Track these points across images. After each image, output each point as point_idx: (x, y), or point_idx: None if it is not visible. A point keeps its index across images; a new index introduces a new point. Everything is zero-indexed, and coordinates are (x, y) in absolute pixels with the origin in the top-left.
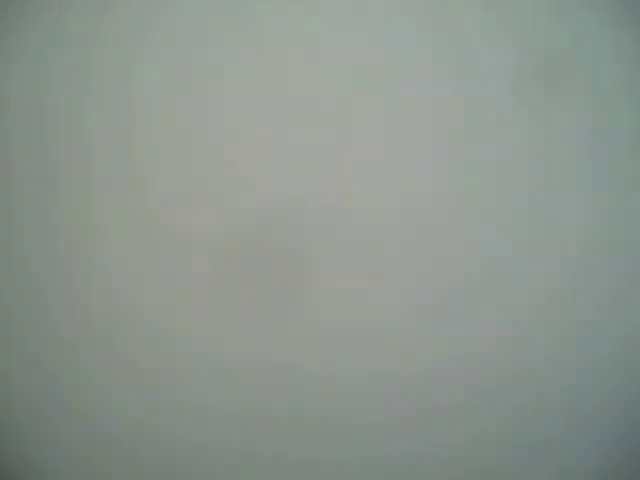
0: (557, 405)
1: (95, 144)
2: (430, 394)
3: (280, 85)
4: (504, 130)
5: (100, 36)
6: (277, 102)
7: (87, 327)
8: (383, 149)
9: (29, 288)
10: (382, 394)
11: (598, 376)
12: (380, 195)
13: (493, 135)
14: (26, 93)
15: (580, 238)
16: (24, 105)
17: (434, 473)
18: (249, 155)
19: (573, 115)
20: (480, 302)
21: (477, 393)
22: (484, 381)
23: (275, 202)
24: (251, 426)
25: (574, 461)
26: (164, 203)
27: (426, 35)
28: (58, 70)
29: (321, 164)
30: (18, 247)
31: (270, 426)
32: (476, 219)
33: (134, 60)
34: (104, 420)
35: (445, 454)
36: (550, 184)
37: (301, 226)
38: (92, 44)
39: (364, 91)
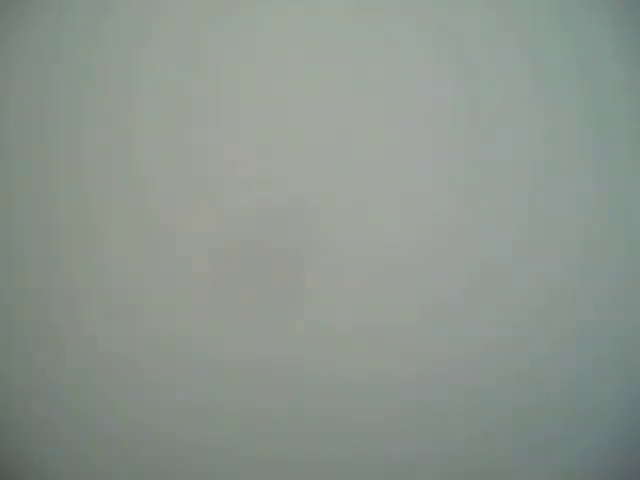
0: (557, 405)
1: (95, 144)
2: (430, 394)
3: (280, 86)
4: (504, 130)
5: (100, 36)
6: (277, 103)
7: (87, 327)
8: (383, 149)
9: (28, 288)
10: (382, 394)
11: (598, 376)
12: (380, 195)
13: (493, 135)
14: (26, 93)
15: (580, 238)
16: (24, 105)
17: (434, 473)
18: (249, 155)
19: (573, 115)
20: (480, 302)
21: (477, 393)
22: (484, 381)
23: (275, 202)
24: (251, 426)
25: (574, 461)
26: (164, 203)
27: (426, 35)
28: (58, 70)
29: (321, 164)
30: (17, 247)
31: (270, 426)
32: (476, 219)
33: (134, 60)
34: (104, 420)
35: (445, 454)
36: (550, 184)
37: (301, 226)
38: (92, 44)
39: (364, 92)
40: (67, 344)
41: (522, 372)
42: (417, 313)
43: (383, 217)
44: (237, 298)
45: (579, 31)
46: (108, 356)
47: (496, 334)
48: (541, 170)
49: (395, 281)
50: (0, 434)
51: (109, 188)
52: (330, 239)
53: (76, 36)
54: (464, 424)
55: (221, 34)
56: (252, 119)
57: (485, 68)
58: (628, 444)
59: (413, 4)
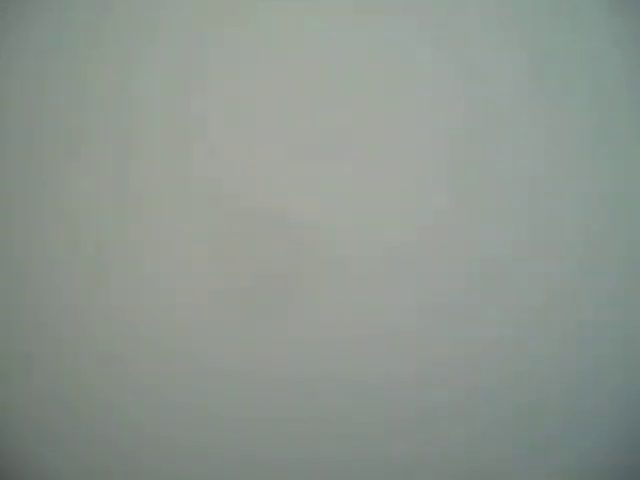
0: (557, 405)
1: (94, 144)
2: (430, 394)
3: (280, 88)
4: (504, 130)
5: (100, 36)
6: (278, 103)
7: (86, 327)
8: (383, 149)
9: (27, 288)
10: (382, 394)
11: (598, 376)
12: (380, 195)
13: (493, 135)
14: (26, 93)
15: (580, 238)
16: (23, 105)
17: (434, 473)
18: (248, 156)
19: (573, 115)
20: (480, 302)
21: (477, 393)
22: (484, 381)
23: (274, 204)
24: (250, 426)
25: (574, 461)
26: (163, 203)
27: (426, 35)
28: (57, 70)
29: (321, 164)
30: (16, 247)
31: (269, 426)
32: (476, 219)
33: (133, 60)
34: (103, 420)
35: (445, 454)
36: (550, 184)
37: (300, 226)
38: (92, 45)
39: (364, 94)
40: (66, 344)
41: (522, 372)
42: (417, 313)
43: (383, 217)
44: (236, 300)
45: (580, 31)
46: (107, 356)
47: (496, 334)
48: (541, 170)
49: (395, 281)
50: (0, 434)
51: (109, 188)
52: (330, 239)
53: (76, 36)
54: (464, 424)
55: (221, 34)
56: (253, 119)
57: (485, 68)
58: (628, 444)
59: (414, 4)
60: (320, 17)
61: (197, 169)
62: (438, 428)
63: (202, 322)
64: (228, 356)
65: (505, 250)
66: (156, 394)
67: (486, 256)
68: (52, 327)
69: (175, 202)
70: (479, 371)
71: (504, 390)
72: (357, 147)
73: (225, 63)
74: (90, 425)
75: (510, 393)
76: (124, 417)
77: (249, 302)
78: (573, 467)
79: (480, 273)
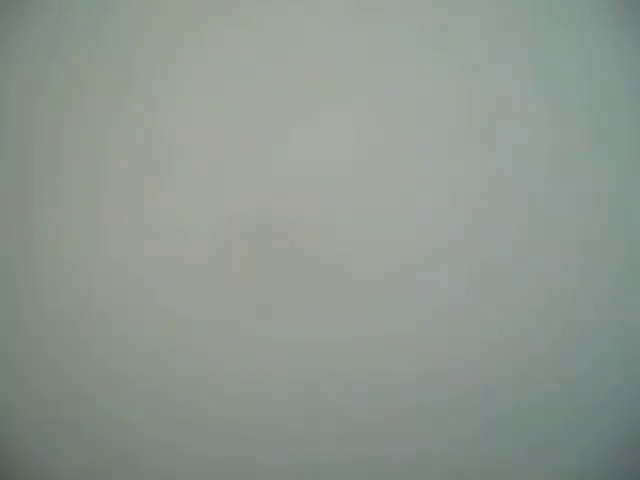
0: (557, 405)
1: (93, 144)
2: (430, 394)
3: (280, 89)
4: (504, 130)
5: (99, 38)
6: (277, 105)
7: (86, 328)
8: (383, 149)
9: (28, 288)
10: (382, 394)
11: (598, 376)
12: (380, 195)
13: (493, 136)
14: (25, 93)
15: (580, 238)
16: (22, 105)
17: (434, 473)
18: (249, 158)
19: (573, 115)
20: (480, 302)
21: (477, 393)
22: (484, 381)
23: (275, 206)
24: (250, 427)
25: (574, 461)
26: (164, 204)
27: (426, 35)
28: (57, 69)
29: (321, 166)
30: (17, 247)
31: (269, 426)
32: (476, 219)
33: (133, 60)
34: (103, 421)
35: (445, 454)
36: (550, 184)
37: (301, 227)
38: (91, 45)
39: (364, 96)
40: (65, 345)
41: (522, 372)
42: (417, 313)
43: (383, 217)
44: (236, 300)
45: (581, 31)
46: (107, 357)
47: (496, 334)
48: (541, 170)
49: (395, 281)
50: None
51: (109, 188)
52: (330, 239)
53: (75, 36)
54: (464, 424)
55: (220, 34)
56: (253, 119)
57: (485, 69)
58: (628, 444)
59: (415, 3)
60: (320, 17)
61: (197, 170)
62: (438, 428)
63: (202, 322)
64: (228, 357)
65: (505, 250)
66: (156, 395)
67: (486, 256)
68: (52, 326)
69: (175, 203)
70: (479, 371)
71: (504, 390)
72: (356, 147)
73: (225, 64)
74: (90, 425)
75: (510, 393)
76: (124, 417)
77: (249, 303)
78: (573, 467)
79: (480, 273)
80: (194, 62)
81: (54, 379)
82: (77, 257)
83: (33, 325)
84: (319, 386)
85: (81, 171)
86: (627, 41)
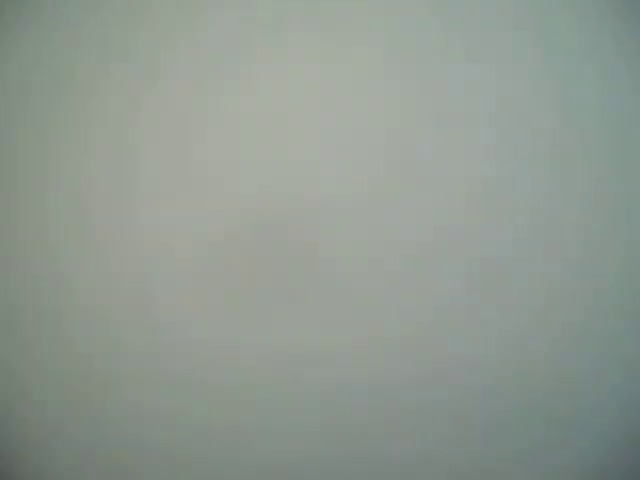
0: (557, 405)
1: (91, 144)
2: (430, 394)
3: (282, 86)
4: (504, 131)
5: (96, 37)
6: (280, 101)
7: (86, 328)
8: (384, 149)
9: (27, 287)
10: (382, 394)
11: (598, 376)
12: (380, 195)
13: (493, 136)
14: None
15: (580, 238)
16: (21, 105)
17: (434, 473)
18: (251, 154)
19: (574, 115)
20: (480, 302)
21: (477, 393)
22: (484, 381)
23: (278, 202)
24: (250, 427)
25: (574, 461)
26: (163, 202)
27: (426, 34)
28: (44, 73)
29: (322, 164)
30: (17, 247)
31: (268, 427)
32: (476, 219)
33: (132, 60)
34: (104, 417)
35: (445, 454)
36: (550, 184)
37: (302, 225)
38: (82, 45)
39: (366, 92)
40: (66, 344)
41: (522, 372)
42: (417, 313)
43: (383, 217)
44: (233, 301)
45: (584, 30)
46: (107, 357)
47: (496, 334)
48: (541, 170)
49: (394, 281)
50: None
51: (108, 190)
52: (331, 238)
53: (73, 36)
54: (464, 424)
55: (221, 32)
56: (255, 117)
57: (485, 69)
58: (628, 444)
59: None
60: (318, 18)
61: (199, 167)
62: (438, 428)
63: (200, 323)
64: (228, 357)
65: (505, 250)
66: (154, 397)
67: (486, 256)
68: (52, 325)
69: (175, 201)
70: (479, 371)
71: (504, 390)
72: (356, 147)
73: (225, 61)
74: (89, 426)
75: (510, 393)
76: (123, 418)
77: (247, 305)
78: (573, 467)
79: (480, 273)
80: (194, 62)
81: (54, 379)
82: (73, 257)
83: (32, 325)
84: (319, 387)
85: (72, 169)
86: (629, 41)
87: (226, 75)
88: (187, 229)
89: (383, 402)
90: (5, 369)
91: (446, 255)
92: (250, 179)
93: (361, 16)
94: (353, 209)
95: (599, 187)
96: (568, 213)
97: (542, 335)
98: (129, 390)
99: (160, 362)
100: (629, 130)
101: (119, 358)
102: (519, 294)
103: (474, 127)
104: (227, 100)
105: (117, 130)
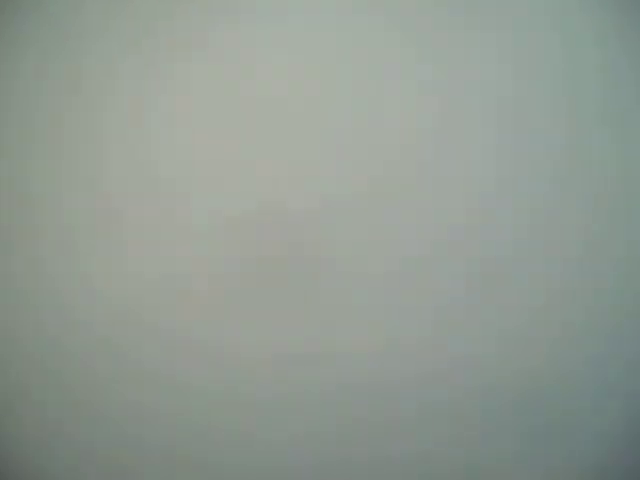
0: (557, 405)
1: (90, 145)
2: (430, 394)
3: (283, 86)
4: (504, 131)
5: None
6: (280, 103)
7: (85, 329)
8: (383, 148)
9: (27, 287)
10: (382, 394)
11: (598, 376)
12: (380, 195)
13: (493, 136)
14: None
15: (580, 238)
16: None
17: (434, 473)
18: (254, 157)
19: (574, 115)
20: (480, 302)
21: (477, 393)
22: (484, 381)
23: (272, 206)
24: (249, 427)
25: (574, 461)
26: (164, 205)
27: (427, 34)
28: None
29: (321, 166)
30: (12, 248)
31: (268, 426)
32: (476, 219)
33: (130, 60)
34: (104, 416)
35: (445, 454)
36: (550, 184)
37: (300, 226)
38: (83, 46)
39: (362, 100)
40: (65, 345)
41: (522, 372)
42: (417, 313)
43: (383, 217)
44: (239, 298)
45: (586, 28)
46: (106, 358)
47: (496, 334)
48: (541, 170)
49: (395, 281)
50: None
51: (108, 190)
52: (331, 238)
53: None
54: (464, 424)
55: (221, 31)
56: (258, 121)
57: (483, 70)
58: (628, 444)
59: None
60: (327, 16)
61: (200, 168)
62: (438, 428)
63: (201, 323)
64: (228, 356)
65: (505, 250)
66: (153, 397)
67: (486, 256)
68: (52, 325)
69: (177, 204)
70: (479, 371)
71: (504, 390)
72: (356, 147)
73: (226, 60)
74: (88, 427)
75: (510, 393)
76: (123, 419)
77: (247, 303)
78: (573, 467)
79: (480, 273)
80: (191, 60)
81: (54, 379)
82: (72, 258)
83: (32, 325)
84: (319, 387)
85: (74, 172)
86: (630, 31)
87: (226, 74)
88: (187, 229)
89: (383, 402)
90: (5, 369)
91: (446, 255)
92: (250, 179)
93: (361, 15)
94: (353, 209)
95: (599, 187)
96: (568, 213)
97: (542, 335)
98: (129, 390)
99: (160, 362)
100: (630, 130)
101: (119, 358)
102: (519, 294)
103: (474, 127)
104: (226, 100)
105: (117, 129)
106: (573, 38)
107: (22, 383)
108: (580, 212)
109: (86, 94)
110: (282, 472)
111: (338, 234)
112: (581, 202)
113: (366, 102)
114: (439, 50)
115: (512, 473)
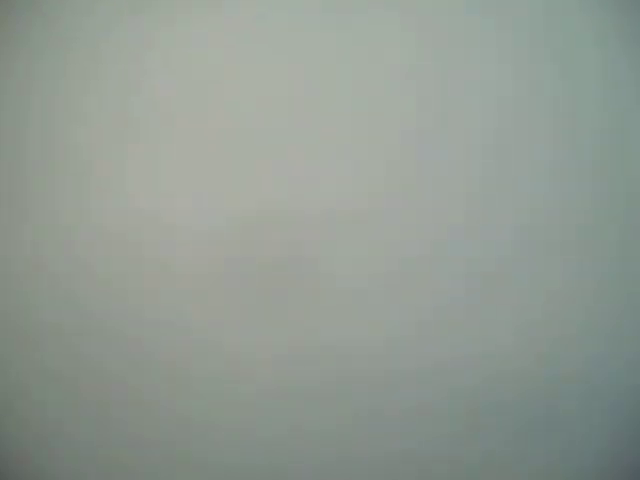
0: (557, 405)
1: (88, 145)
2: (430, 394)
3: (276, 91)
4: (504, 131)
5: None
6: (276, 107)
7: (85, 329)
8: (383, 148)
9: (27, 288)
10: (382, 394)
11: (598, 376)
12: (380, 196)
13: (493, 137)
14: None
15: (580, 238)
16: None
17: (434, 473)
18: (243, 162)
19: (574, 115)
20: (480, 302)
21: (477, 393)
22: (484, 381)
23: (271, 206)
24: (248, 428)
25: (574, 461)
26: (161, 207)
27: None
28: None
29: (321, 166)
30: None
31: (266, 428)
32: (476, 219)
33: (128, 58)
34: (100, 425)
35: (445, 454)
36: (550, 184)
37: (300, 226)
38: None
39: (363, 101)
40: (67, 345)
41: (522, 372)
42: (417, 313)
43: (383, 217)
44: (239, 300)
45: (585, 28)
46: (105, 358)
47: (496, 334)
48: (541, 170)
49: (395, 281)
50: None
51: (107, 190)
52: (331, 238)
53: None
54: (464, 424)
55: (223, 31)
56: (257, 122)
57: (484, 68)
58: (628, 444)
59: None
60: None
61: (197, 171)
62: (438, 428)
63: (201, 323)
64: (228, 357)
65: (505, 250)
66: (153, 397)
67: (486, 256)
68: (52, 325)
69: (174, 205)
70: (479, 371)
71: (504, 390)
72: (356, 147)
73: (225, 62)
74: (87, 427)
75: (510, 393)
76: (122, 419)
77: (247, 304)
78: (574, 467)
79: (480, 273)
80: (192, 60)
81: (54, 379)
82: (71, 258)
83: (32, 325)
84: (319, 386)
85: (70, 169)
86: (630, 32)
87: (227, 78)
88: (188, 229)
89: (383, 402)
90: (5, 369)
91: (446, 255)
92: (251, 180)
93: (361, 15)
94: (353, 209)
95: (599, 187)
96: (568, 213)
97: (542, 335)
98: (129, 390)
99: (160, 362)
100: (630, 130)
101: (119, 358)
102: (519, 294)
103: (474, 127)
104: (227, 107)
105: (116, 126)
106: (573, 38)
107: (22, 383)
108: (580, 212)
109: (85, 99)
110: (282, 471)
111: (338, 234)
112: (581, 202)
113: (366, 102)
114: (439, 50)
115: (512, 472)
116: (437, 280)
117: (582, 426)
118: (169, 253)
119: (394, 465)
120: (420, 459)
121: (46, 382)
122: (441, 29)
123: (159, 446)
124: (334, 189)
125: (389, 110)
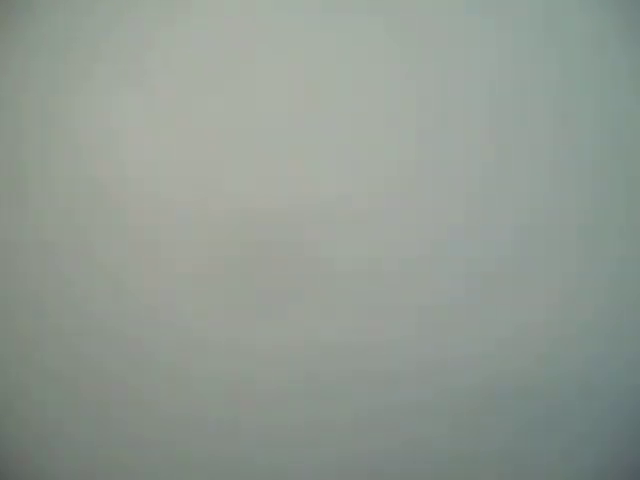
0: (557, 405)
1: (87, 144)
2: (430, 394)
3: (277, 91)
4: (504, 131)
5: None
6: (276, 106)
7: (85, 330)
8: (383, 148)
9: (27, 288)
10: (382, 394)
11: (598, 376)
12: (380, 196)
13: (493, 137)
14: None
15: (580, 238)
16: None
17: (434, 473)
18: (247, 158)
19: (573, 115)
20: (480, 302)
21: (477, 393)
22: (484, 381)
23: (272, 206)
24: (248, 429)
25: (575, 461)
26: (160, 208)
27: (427, 33)
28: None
29: (321, 166)
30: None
31: (270, 428)
32: (476, 219)
33: (127, 59)
34: (100, 425)
35: (445, 454)
36: (550, 184)
37: (300, 226)
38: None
39: (363, 102)
40: (67, 344)
41: (522, 372)
42: (417, 313)
43: (383, 217)
44: (239, 298)
45: (585, 28)
46: (105, 358)
47: (496, 334)
48: (542, 170)
49: (395, 281)
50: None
51: (107, 190)
52: (331, 238)
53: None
54: (464, 424)
55: (220, 31)
56: (256, 120)
57: (484, 69)
58: (628, 443)
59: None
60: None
61: (195, 171)
62: (438, 428)
63: (201, 323)
64: (228, 357)
65: (505, 250)
66: (154, 397)
67: (486, 256)
68: (52, 325)
69: (173, 205)
70: (479, 371)
71: (504, 390)
72: (356, 148)
73: (225, 62)
74: (87, 427)
75: (510, 393)
76: (122, 419)
77: (247, 304)
78: (573, 467)
79: (480, 273)
80: (191, 59)
81: (54, 379)
82: (75, 261)
83: (32, 325)
84: (319, 386)
85: (71, 168)
86: (629, 31)
87: (225, 78)
88: (188, 229)
89: (383, 401)
90: (5, 369)
91: (446, 255)
92: (251, 179)
93: (361, 15)
94: (353, 209)
95: (599, 187)
96: (568, 213)
97: (542, 335)
98: (129, 390)
99: (160, 362)
100: (630, 130)
101: (119, 358)
102: (519, 294)
103: (474, 127)
104: (227, 107)
105: (116, 126)
106: (573, 38)
107: (22, 383)
108: (580, 212)
109: (84, 95)
110: (282, 470)
111: (338, 234)
112: (581, 202)
113: (366, 102)
114: (439, 50)
115: (512, 473)
116: (437, 280)
117: (582, 426)
118: (169, 253)
119: (394, 465)
120: (420, 459)
121: (46, 382)
122: (441, 29)
123: (159, 446)
124: (334, 189)
125: (389, 110)
